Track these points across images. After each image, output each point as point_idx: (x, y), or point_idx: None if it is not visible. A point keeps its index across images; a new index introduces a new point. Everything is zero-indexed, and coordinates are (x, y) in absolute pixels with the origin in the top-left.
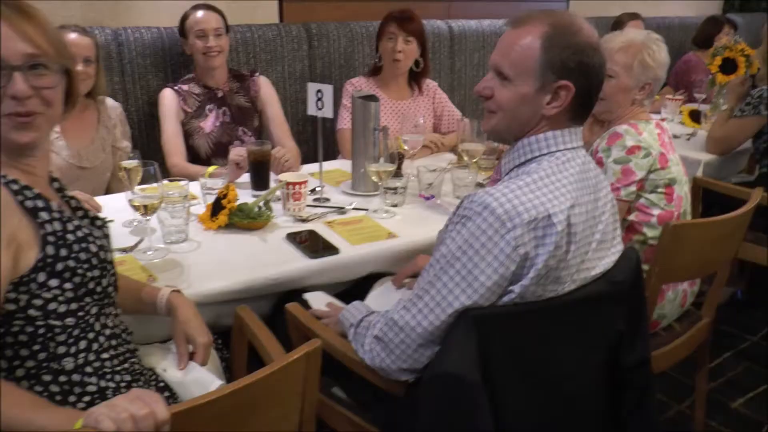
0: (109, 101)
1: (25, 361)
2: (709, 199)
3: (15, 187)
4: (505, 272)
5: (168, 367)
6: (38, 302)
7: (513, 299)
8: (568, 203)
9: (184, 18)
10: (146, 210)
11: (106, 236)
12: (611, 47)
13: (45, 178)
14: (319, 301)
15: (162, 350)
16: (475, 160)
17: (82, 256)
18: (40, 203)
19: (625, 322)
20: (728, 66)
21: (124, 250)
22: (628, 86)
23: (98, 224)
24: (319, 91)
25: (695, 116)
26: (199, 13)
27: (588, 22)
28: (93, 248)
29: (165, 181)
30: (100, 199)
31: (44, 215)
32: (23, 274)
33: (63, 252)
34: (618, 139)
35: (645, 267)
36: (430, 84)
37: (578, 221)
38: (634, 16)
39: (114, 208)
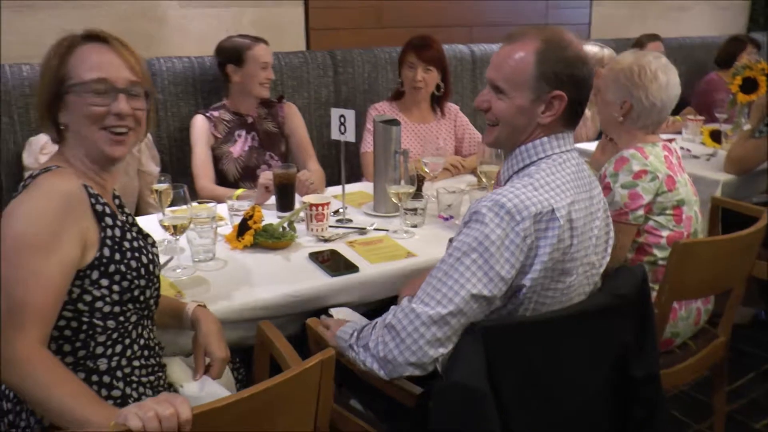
0: None
1: (66, 356)
2: (729, 219)
3: (90, 191)
4: (516, 262)
5: (185, 383)
6: (88, 298)
7: (525, 294)
8: (569, 199)
9: (243, 47)
10: (176, 230)
11: (156, 255)
12: (608, 65)
13: (111, 193)
14: (343, 316)
15: (182, 365)
16: (493, 181)
17: (133, 264)
18: (107, 209)
19: (632, 336)
20: (749, 85)
21: None
22: (608, 101)
23: (150, 241)
24: (342, 116)
25: (716, 136)
26: (260, 45)
27: (608, 44)
28: (144, 260)
29: (194, 203)
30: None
31: (108, 220)
32: (81, 269)
33: (117, 256)
34: (624, 164)
35: (655, 287)
36: (451, 107)
37: (578, 216)
38: (654, 38)
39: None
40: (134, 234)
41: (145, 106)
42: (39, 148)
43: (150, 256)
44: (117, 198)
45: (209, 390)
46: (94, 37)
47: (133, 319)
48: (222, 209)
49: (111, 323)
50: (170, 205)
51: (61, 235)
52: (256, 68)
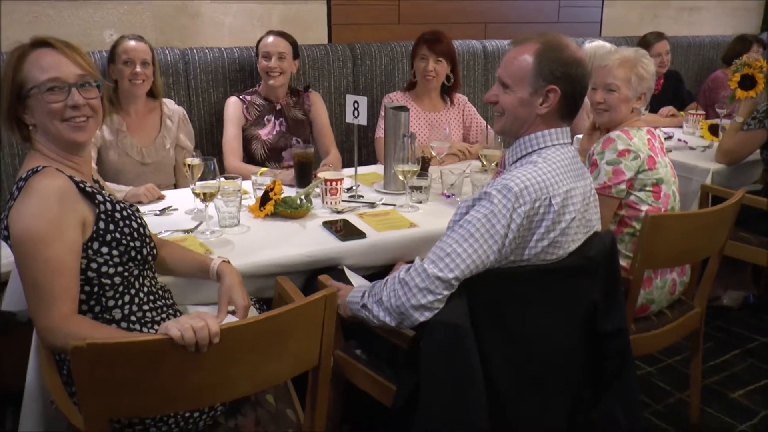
0: (170, 103)
1: (85, 314)
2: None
3: (75, 179)
4: (516, 238)
5: None
6: (94, 265)
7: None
8: (566, 187)
9: (258, 41)
10: (205, 197)
11: (143, 219)
12: (608, 65)
13: (89, 176)
14: (354, 276)
15: (203, 309)
16: (493, 164)
17: (126, 230)
18: (93, 190)
19: (601, 296)
20: (747, 82)
21: (187, 231)
22: (628, 97)
23: (135, 210)
24: (355, 101)
25: (714, 130)
26: (269, 38)
27: (619, 42)
28: (134, 224)
29: (222, 178)
30: (170, 193)
31: (99, 197)
32: (84, 243)
33: (111, 226)
34: (611, 144)
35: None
36: (460, 98)
37: (574, 201)
38: (660, 37)
39: (179, 199)
40: (122, 205)
41: (98, 94)
42: None
43: (139, 221)
44: (97, 182)
45: None
46: (41, 44)
47: (135, 273)
48: (247, 185)
49: (117, 279)
50: (201, 178)
51: (62, 224)
52: (260, 58)
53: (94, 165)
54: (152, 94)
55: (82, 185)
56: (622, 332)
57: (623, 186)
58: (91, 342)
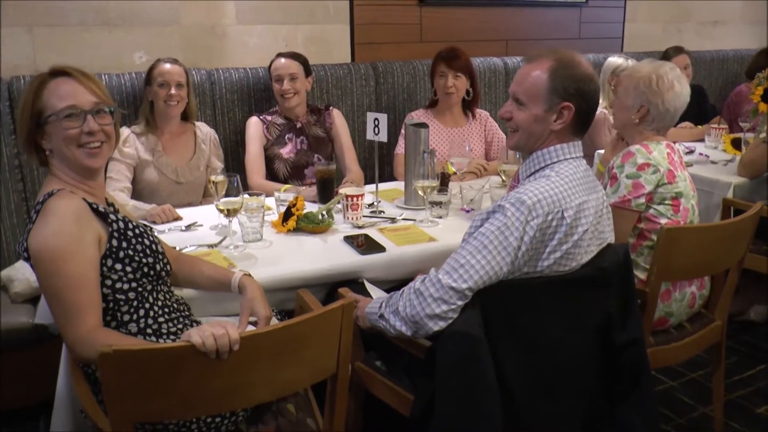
0: (203, 126)
1: None
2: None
3: (88, 201)
4: (529, 249)
5: None
6: (108, 282)
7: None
8: (578, 200)
9: (270, 64)
10: (229, 213)
11: (155, 236)
12: (627, 73)
13: (102, 199)
14: (373, 288)
15: (223, 318)
16: (510, 179)
17: (138, 247)
18: (107, 210)
19: (615, 306)
20: None
21: (211, 246)
22: (625, 104)
23: (148, 228)
24: (376, 118)
25: (737, 144)
26: (280, 61)
27: (640, 57)
28: (146, 242)
29: (245, 195)
30: (195, 209)
31: (111, 217)
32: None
33: (124, 244)
34: (630, 157)
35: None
36: (482, 113)
37: (587, 214)
38: (679, 51)
39: (204, 214)
40: (134, 224)
41: (112, 120)
42: (122, 142)
43: (151, 238)
44: (111, 205)
45: None
46: (59, 73)
47: (149, 287)
48: (270, 201)
49: (131, 295)
50: (225, 195)
51: (81, 240)
52: (273, 82)
53: (129, 185)
54: (185, 115)
55: (95, 206)
56: (638, 343)
57: (642, 199)
58: (117, 348)
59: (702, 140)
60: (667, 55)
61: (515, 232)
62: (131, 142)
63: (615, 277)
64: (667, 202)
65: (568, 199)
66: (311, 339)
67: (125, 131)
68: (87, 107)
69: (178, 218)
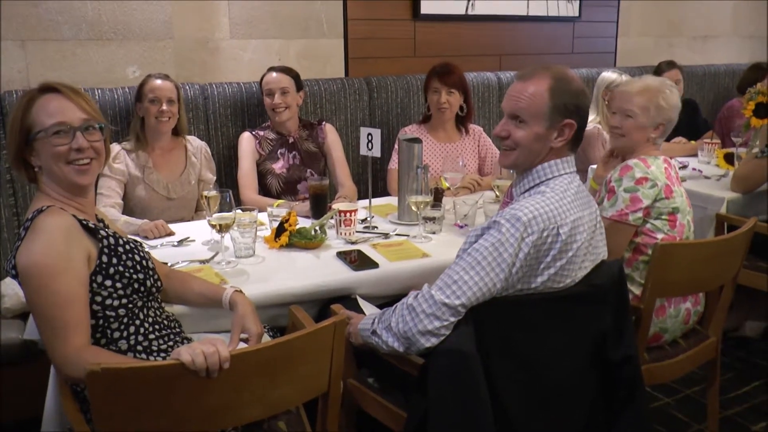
0: (194, 140)
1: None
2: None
3: (78, 218)
4: (523, 266)
5: None
6: (98, 298)
7: (535, 288)
8: (573, 216)
9: (261, 78)
10: (221, 228)
11: (147, 252)
12: (629, 90)
13: (92, 216)
14: (366, 305)
15: (214, 336)
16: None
17: (129, 263)
18: (97, 226)
19: (610, 324)
20: (761, 110)
21: (203, 261)
22: (644, 125)
23: (139, 244)
24: (369, 134)
25: (729, 159)
26: (271, 75)
27: (633, 72)
28: (137, 257)
29: (238, 210)
30: (188, 224)
31: (102, 233)
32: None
33: (114, 260)
34: (628, 171)
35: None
36: (476, 128)
37: (581, 230)
38: (671, 65)
39: (197, 230)
40: (124, 240)
41: (101, 137)
42: (113, 158)
43: (141, 254)
44: (101, 221)
45: None
46: (48, 89)
47: (139, 304)
48: (263, 217)
49: (121, 311)
50: (218, 210)
51: (70, 257)
52: (265, 96)
53: (120, 200)
54: (176, 131)
55: (85, 222)
56: (632, 360)
57: (640, 214)
58: (105, 367)
59: (695, 155)
60: (659, 70)
61: (509, 248)
62: (122, 158)
63: (609, 294)
64: (663, 217)
65: (563, 215)
66: (303, 357)
67: (116, 147)
68: (76, 124)
69: (170, 233)
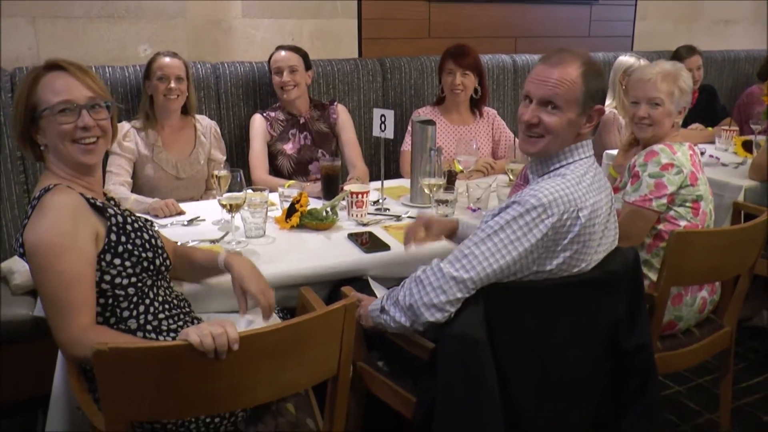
0: (203, 119)
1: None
2: None
3: (85, 196)
4: (539, 247)
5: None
6: (107, 277)
7: (550, 271)
8: (592, 199)
9: (269, 57)
10: (231, 208)
11: (156, 231)
12: (651, 78)
13: (101, 194)
14: (378, 287)
15: (223, 315)
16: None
17: (138, 241)
18: (104, 205)
19: (624, 313)
20: None
21: (213, 241)
22: (671, 111)
23: (148, 222)
24: (382, 115)
25: (748, 146)
26: (279, 53)
27: (651, 56)
28: (146, 236)
29: (249, 190)
30: (198, 204)
31: (110, 211)
32: (96, 255)
33: (123, 238)
34: (654, 156)
35: None
36: (490, 111)
37: (599, 213)
38: (692, 52)
39: (207, 209)
40: (133, 218)
41: (108, 115)
42: (122, 136)
43: (150, 232)
44: (111, 200)
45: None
46: (54, 67)
47: (149, 283)
48: (274, 197)
49: (131, 290)
50: (228, 190)
51: (77, 236)
52: (273, 75)
53: (129, 179)
54: (185, 109)
55: (92, 201)
56: (646, 349)
57: (664, 200)
58: (113, 346)
59: (712, 142)
60: (678, 55)
61: (524, 228)
62: (131, 136)
63: (624, 281)
64: (687, 204)
65: (583, 198)
66: (312, 340)
67: (125, 125)
68: (82, 102)
69: (181, 212)
